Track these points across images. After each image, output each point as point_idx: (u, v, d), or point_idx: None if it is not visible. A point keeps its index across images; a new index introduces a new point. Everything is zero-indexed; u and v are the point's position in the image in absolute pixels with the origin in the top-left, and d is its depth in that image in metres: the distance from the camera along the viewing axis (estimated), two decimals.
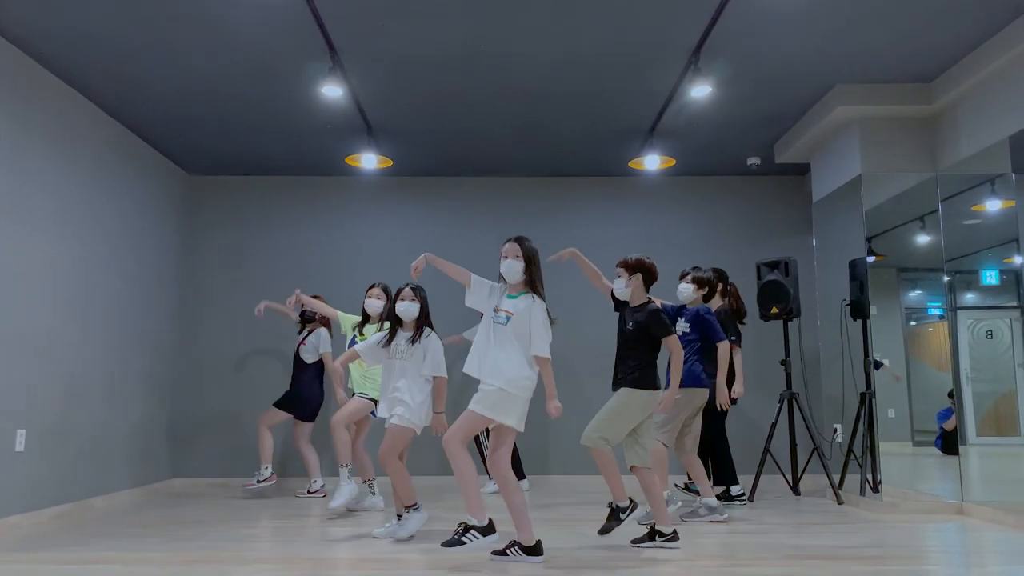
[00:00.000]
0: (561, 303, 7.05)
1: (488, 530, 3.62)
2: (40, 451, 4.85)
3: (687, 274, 4.97)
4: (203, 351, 6.97)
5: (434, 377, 4.23)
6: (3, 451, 4.52)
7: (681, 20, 4.40)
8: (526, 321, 3.60)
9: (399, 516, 4.27)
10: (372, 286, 5.21)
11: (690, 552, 3.76)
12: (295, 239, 7.15)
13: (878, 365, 5.41)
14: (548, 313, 3.66)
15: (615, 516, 4.05)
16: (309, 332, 6.23)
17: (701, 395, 4.73)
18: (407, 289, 4.35)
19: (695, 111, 5.72)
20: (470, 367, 3.65)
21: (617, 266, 4.16)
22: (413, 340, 4.27)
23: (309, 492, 6.03)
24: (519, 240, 3.70)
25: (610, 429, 3.91)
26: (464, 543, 3.57)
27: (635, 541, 3.98)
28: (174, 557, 3.70)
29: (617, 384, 3.99)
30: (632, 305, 4.04)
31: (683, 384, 4.57)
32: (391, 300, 5.28)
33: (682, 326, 4.88)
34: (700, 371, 4.75)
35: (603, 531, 4.06)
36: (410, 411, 4.16)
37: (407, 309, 4.30)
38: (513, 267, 3.66)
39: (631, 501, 4.06)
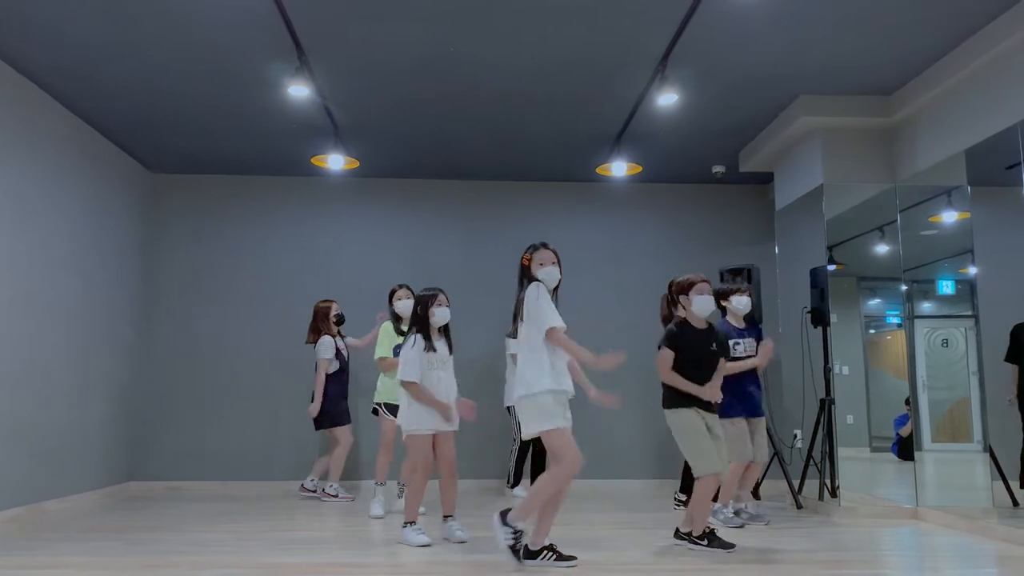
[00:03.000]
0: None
1: (565, 557, 3.52)
2: None
3: (743, 289, 4.94)
4: (163, 351, 6.84)
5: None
6: None
7: (649, 28, 4.44)
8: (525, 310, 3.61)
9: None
10: (399, 287, 5.19)
11: (647, 557, 3.78)
12: (258, 239, 7.06)
13: None
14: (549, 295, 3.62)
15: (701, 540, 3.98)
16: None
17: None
18: (443, 295, 4.27)
19: (662, 119, 5.77)
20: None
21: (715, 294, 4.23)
22: (451, 348, 4.32)
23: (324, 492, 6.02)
24: (550, 247, 3.73)
25: (700, 453, 3.93)
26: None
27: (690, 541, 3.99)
28: (130, 562, 3.63)
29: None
30: (701, 327, 4.05)
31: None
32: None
33: (747, 344, 4.90)
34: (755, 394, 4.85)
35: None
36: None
37: (446, 314, 4.23)
38: (554, 273, 3.67)
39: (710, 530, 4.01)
